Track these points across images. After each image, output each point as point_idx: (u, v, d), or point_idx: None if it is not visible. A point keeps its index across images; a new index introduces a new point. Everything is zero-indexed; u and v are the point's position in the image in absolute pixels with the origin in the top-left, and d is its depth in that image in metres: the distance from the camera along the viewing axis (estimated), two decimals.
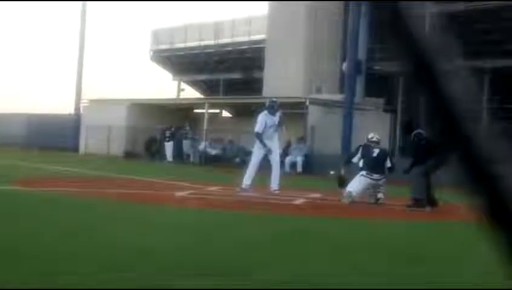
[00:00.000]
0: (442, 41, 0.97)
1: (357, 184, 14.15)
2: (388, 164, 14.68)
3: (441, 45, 0.96)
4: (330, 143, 29.28)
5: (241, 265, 5.79)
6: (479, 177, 0.92)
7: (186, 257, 6.09)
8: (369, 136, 15.15)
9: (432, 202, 13.09)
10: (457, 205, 14.25)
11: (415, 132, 14.02)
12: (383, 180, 14.32)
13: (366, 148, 14.73)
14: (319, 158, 28.81)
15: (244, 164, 34.34)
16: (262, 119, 16.05)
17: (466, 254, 7.66)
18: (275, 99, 16.91)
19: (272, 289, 4.84)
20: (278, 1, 37.07)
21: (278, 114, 16.06)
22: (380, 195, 14.15)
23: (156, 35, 50.05)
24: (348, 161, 15.24)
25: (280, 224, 9.92)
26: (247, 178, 15.72)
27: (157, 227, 8.46)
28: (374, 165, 14.33)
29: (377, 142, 15.01)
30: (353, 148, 27.02)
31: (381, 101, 34.43)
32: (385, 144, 32.98)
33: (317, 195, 15.78)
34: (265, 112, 16.10)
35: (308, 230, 9.32)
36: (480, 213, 0.92)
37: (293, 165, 29.61)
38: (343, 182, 14.62)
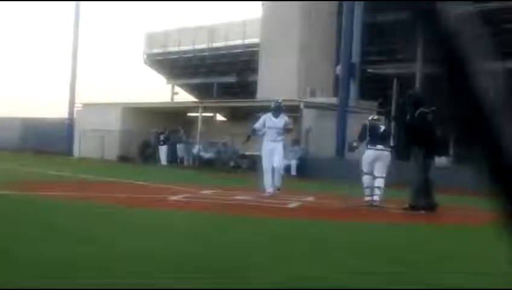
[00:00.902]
0: (475, 40, 0.96)
1: (364, 164, 14.38)
2: (391, 142, 14.93)
3: (473, 44, 0.94)
4: (324, 146, 29.31)
5: (234, 267, 5.77)
6: (504, 178, 0.90)
7: (179, 259, 6.07)
8: (370, 117, 15.35)
9: (430, 206, 12.99)
10: (459, 208, 14.36)
11: (420, 109, 13.63)
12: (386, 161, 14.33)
13: (372, 126, 14.82)
14: (313, 161, 28.83)
15: (238, 167, 34.51)
16: (262, 118, 16.17)
17: (450, 256, 7.68)
18: (279, 100, 16.83)
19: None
20: (271, 1, 37.06)
21: (282, 116, 16.06)
22: (375, 197, 14.09)
23: (150, 39, 50.05)
24: (362, 138, 15.22)
25: (273, 227, 9.91)
26: (266, 184, 15.68)
27: (151, 230, 8.45)
28: (379, 139, 14.52)
29: (379, 120, 15.34)
30: (346, 151, 27.14)
31: (375, 103, 34.46)
32: None
33: (312, 198, 15.77)
34: (270, 113, 16.16)
35: (302, 233, 9.31)
36: (502, 215, 0.91)
37: (288, 168, 29.59)
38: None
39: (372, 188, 14.20)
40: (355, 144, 15.43)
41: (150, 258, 6.12)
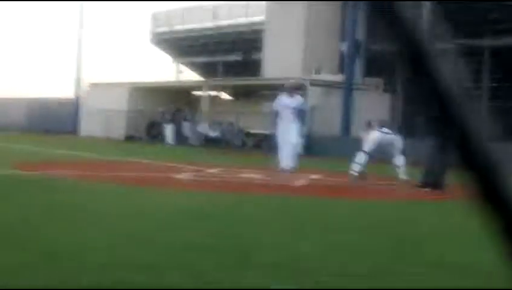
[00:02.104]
0: (432, 21, 1.00)
1: (370, 144, 14.52)
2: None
3: (430, 25, 0.98)
4: (330, 124, 29.31)
5: (238, 246, 5.83)
6: (470, 157, 0.94)
7: (184, 239, 6.12)
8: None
9: (438, 185, 12.95)
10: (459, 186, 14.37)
11: None
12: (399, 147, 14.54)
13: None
14: (319, 139, 28.83)
15: (244, 145, 34.56)
16: (278, 99, 16.42)
17: (451, 232, 7.71)
18: (292, 80, 17.20)
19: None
20: None
21: (296, 96, 16.24)
22: (401, 176, 14.39)
23: (156, 18, 49.93)
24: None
25: (279, 205, 9.95)
26: (281, 162, 15.90)
27: (157, 209, 8.49)
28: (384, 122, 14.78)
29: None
30: (353, 128, 27.16)
31: (380, 81, 34.38)
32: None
33: (318, 176, 15.82)
34: (284, 93, 16.40)
35: (307, 211, 9.36)
36: (473, 193, 0.95)
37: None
38: None
39: (389, 142, 14.53)
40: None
41: (155, 237, 6.18)
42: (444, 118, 0.95)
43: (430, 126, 0.96)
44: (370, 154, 14.52)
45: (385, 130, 14.66)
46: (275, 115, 16.29)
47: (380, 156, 14.80)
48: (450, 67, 0.98)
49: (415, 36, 0.98)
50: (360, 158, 14.47)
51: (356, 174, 14.36)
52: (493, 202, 0.92)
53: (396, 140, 14.70)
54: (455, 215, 9.66)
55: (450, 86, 0.94)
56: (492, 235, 0.94)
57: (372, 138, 14.69)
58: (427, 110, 0.96)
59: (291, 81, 17.17)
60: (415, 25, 0.98)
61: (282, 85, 16.76)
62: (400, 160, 14.54)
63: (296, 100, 16.19)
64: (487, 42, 32.24)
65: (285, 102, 16.08)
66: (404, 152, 14.69)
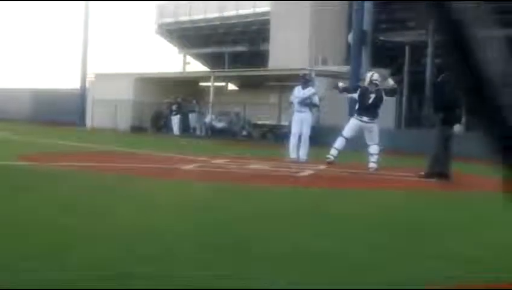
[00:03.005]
0: (476, 9, 0.96)
1: (347, 129, 14.58)
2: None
3: (475, 13, 0.95)
4: (337, 114, 29.22)
5: (240, 238, 5.80)
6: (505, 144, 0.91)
7: (190, 231, 6.10)
8: (373, 77, 15.09)
9: (443, 175, 12.90)
10: (471, 177, 14.34)
11: (442, 75, 13.60)
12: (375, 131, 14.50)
13: (364, 91, 14.81)
14: (325, 130, 28.74)
15: (250, 136, 34.57)
16: (294, 91, 17.05)
17: (459, 224, 7.67)
18: (306, 72, 18.22)
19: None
20: None
21: (309, 88, 16.83)
22: (371, 165, 14.34)
23: (161, 9, 49.87)
24: (345, 91, 15.70)
25: (284, 196, 9.92)
26: (291, 151, 16.67)
27: (163, 201, 8.48)
28: (367, 109, 14.58)
29: (377, 85, 14.97)
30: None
31: (387, 72, 34.29)
32: (391, 114, 33.00)
33: (324, 167, 15.78)
34: (299, 85, 17.06)
35: (312, 202, 9.33)
36: (508, 182, 0.92)
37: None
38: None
39: (366, 129, 14.55)
40: (340, 84, 15.83)
41: (159, 228, 6.16)
42: (484, 105, 0.92)
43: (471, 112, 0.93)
44: (348, 139, 14.67)
45: (365, 118, 14.65)
46: (291, 105, 17.01)
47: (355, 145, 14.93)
48: (495, 55, 0.95)
49: (459, 23, 0.94)
50: (340, 144, 14.69)
51: (332, 158, 14.56)
52: None
53: (374, 128, 14.71)
54: (464, 206, 9.63)
55: (493, 73, 0.91)
56: None
57: (353, 124, 14.79)
58: (468, 99, 0.92)
59: (304, 72, 17.93)
60: (460, 10, 0.94)
61: (302, 75, 17.51)
62: (374, 149, 14.58)
63: (308, 92, 16.70)
64: None
65: (301, 93, 16.63)
66: (379, 141, 14.74)
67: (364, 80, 15.81)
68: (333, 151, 14.66)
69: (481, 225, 7.54)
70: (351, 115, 15.84)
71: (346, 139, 14.64)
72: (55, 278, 3.97)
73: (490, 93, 0.92)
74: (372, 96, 14.69)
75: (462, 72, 0.95)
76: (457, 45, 0.95)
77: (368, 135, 14.62)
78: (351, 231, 6.52)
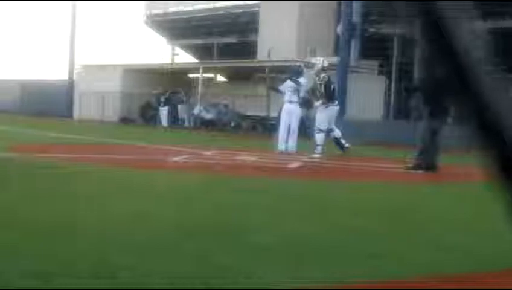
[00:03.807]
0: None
1: (326, 120, 14.76)
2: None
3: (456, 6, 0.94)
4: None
5: (231, 228, 5.80)
6: (489, 131, 0.91)
7: (177, 220, 6.10)
8: (325, 64, 15.51)
9: (429, 167, 12.92)
10: (457, 167, 14.36)
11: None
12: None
13: (329, 80, 15.19)
14: (313, 121, 28.76)
15: (239, 127, 34.56)
16: (286, 81, 17.16)
17: (449, 215, 7.69)
18: (298, 64, 18.40)
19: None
20: None
21: (301, 79, 16.96)
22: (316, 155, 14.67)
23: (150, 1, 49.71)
24: (331, 96, 15.75)
25: (273, 187, 9.92)
26: (280, 143, 16.72)
27: (150, 191, 8.47)
28: (334, 95, 14.98)
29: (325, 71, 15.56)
30: (348, 111, 27.12)
31: (376, 63, 34.34)
32: (380, 106, 33.09)
33: (308, 159, 15.81)
34: (289, 76, 17.16)
35: (301, 193, 9.34)
36: (491, 171, 0.91)
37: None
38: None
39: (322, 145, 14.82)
40: (318, 103, 15.83)
41: (148, 218, 6.15)
42: (466, 93, 0.92)
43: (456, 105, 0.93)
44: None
45: (336, 103, 15.02)
46: (278, 91, 17.12)
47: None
48: (478, 47, 0.95)
49: (445, 14, 0.94)
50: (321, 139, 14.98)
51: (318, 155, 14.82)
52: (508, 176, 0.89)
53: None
54: (451, 197, 9.65)
55: (474, 62, 0.91)
56: (508, 214, 0.90)
57: (332, 114, 15.04)
58: (449, 83, 0.92)
59: (295, 64, 18.10)
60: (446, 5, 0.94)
61: (294, 66, 17.76)
62: (338, 132, 15.02)
63: (300, 82, 16.74)
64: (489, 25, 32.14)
65: (289, 84, 16.67)
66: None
67: (313, 67, 16.10)
68: (321, 149, 14.96)
69: (468, 215, 7.56)
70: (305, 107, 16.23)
71: (324, 132, 14.98)
72: (37, 269, 3.95)
73: (470, 80, 0.92)
74: (334, 82, 15.25)
75: (441, 59, 0.95)
76: (436, 34, 0.94)
77: (334, 120, 15.13)
78: (338, 220, 6.52)
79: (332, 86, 15.18)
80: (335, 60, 31.27)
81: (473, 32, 0.95)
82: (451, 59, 0.93)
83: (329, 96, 14.98)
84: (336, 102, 15.42)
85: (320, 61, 15.71)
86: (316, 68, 15.54)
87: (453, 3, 0.94)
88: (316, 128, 15.20)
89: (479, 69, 0.94)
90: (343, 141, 15.24)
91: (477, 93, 0.92)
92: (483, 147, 0.91)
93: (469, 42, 0.94)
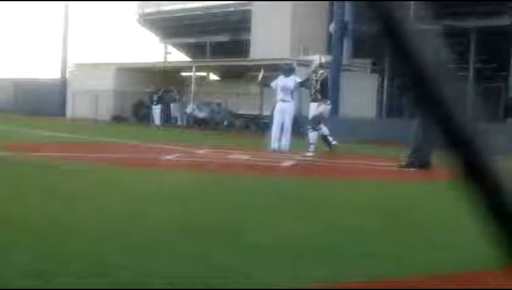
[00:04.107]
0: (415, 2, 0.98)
1: (320, 118, 14.77)
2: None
3: (413, 6, 0.96)
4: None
5: (226, 227, 5.80)
6: (452, 135, 0.93)
7: (171, 220, 6.10)
8: (322, 60, 15.54)
9: (422, 164, 12.93)
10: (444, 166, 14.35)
11: None
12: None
13: (326, 78, 15.17)
14: (306, 120, 28.78)
15: (232, 126, 34.54)
16: (276, 79, 17.13)
17: (445, 214, 7.70)
18: (288, 62, 18.32)
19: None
20: None
21: (293, 77, 16.91)
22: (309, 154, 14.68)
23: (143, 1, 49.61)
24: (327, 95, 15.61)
25: (266, 186, 9.93)
26: (273, 141, 16.70)
27: (143, 191, 8.45)
28: (328, 94, 15.01)
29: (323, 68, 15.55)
30: (340, 109, 27.14)
31: (368, 62, 34.37)
32: (372, 105, 33.13)
33: (301, 158, 15.82)
34: (281, 74, 17.12)
35: (295, 192, 9.35)
36: (457, 174, 0.93)
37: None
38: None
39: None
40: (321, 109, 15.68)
41: (143, 218, 6.15)
42: (425, 95, 0.93)
43: (413, 105, 0.95)
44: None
45: (329, 102, 15.07)
46: (268, 85, 17.11)
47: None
48: (431, 47, 0.96)
49: (395, 16, 0.95)
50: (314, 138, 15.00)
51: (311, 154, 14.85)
52: (476, 180, 0.91)
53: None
54: (445, 195, 9.67)
55: (429, 65, 0.92)
56: (476, 213, 0.92)
57: (326, 112, 15.06)
58: (409, 88, 0.94)
59: (287, 62, 18.09)
60: (396, 6, 0.95)
61: (284, 65, 17.72)
62: (325, 130, 15.05)
63: (292, 81, 16.73)
64: (472, 23, 32.20)
65: (283, 82, 16.65)
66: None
67: (311, 64, 16.08)
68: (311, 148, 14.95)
69: (462, 213, 7.58)
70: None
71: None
72: (36, 268, 3.95)
73: (430, 88, 0.94)
74: (328, 77, 15.32)
75: (400, 63, 0.96)
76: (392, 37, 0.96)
77: (327, 118, 15.16)
78: (333, 219, 6.53)
79: (327, 86, 15.17)
80: (328, 58, 31.29)
81: (424, 33, 0.96)
82: (408, 63, 0.95)
83: (325, 93, 14.94)
84: (329, 101, 15.42)
85: (317, 57, 15.70)
86: (313, 65, 15.49)
87: (398, 4, 0.95)
88: (309, 126, 15.18)
89: (438, 75, 0.95)
90: (330, 139, 15.20)
91: (438, 102, 0.95)
92: (448, 150, 0.94)
93: (423, 45, 0.95)
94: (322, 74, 15.35)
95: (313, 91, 15.58)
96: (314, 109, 15.59)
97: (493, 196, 0.93)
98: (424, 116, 0.96)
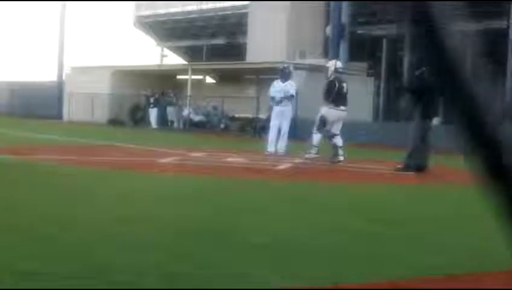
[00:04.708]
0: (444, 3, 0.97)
1: (329, 122, 14.51)
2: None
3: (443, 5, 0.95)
4: (314, 108, 29.23)
5: (222, 229, 5.80)
6: (477, 133, 0.92)
7: (167, 222, 6.09)
8: (337, 65, 15.27)
9: (420, 167, 12.91)
10: (448, 169, 14.39)
11: (422, 68, 13.23)
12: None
13: (339, 84, 14.85)
14: (303, 123, 28.78)
15: (228, 129, 34.52)
16: (273, 84, 17.03)
17: (441, 216, 7.71)
18: (286, 65, 18.25)
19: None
20: None
21: (290, 82, 16.82)
22: (340, 158, 14.30)
23: (139, 1, 49.61)
24: (329, 97, 15.01)
25: (263, 189, 9.93)
26: (269, 144, 16.66)
27: (139, 193, 8.44)
28: (343, 99, 14.68)
29: (339, 72, 15.28)
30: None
31: (364, 65, 34.38)
32: (368, 108, 33.13)
33: (302, 160, 15.80)
34: (278, 78, 17.15)
35: (291, 194, 9.35)
36: (480, 174, 0.92)
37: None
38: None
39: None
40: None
41: (138, 218, 6.15)
42: (453, 91, 0.92)
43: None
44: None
45: (342, 108, 14.78)
46: (272, 100, 16.86)
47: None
48: (466, 46, 0.96)
49: (429, 14, 0.94)
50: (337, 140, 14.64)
51: (342, 158, 14.44)
52: (500, 181, 0.89)
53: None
54: (441, 198, 9.68)
55: (460, 61, 0.92)
56: (497, 215, 0.91)
57: (334, 115, 14.77)
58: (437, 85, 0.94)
59: (284, 65, 18.06)
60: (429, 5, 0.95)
61: (282, 68, 17.63)
62: (341, 140, 14.63)
63: (289, 85, 16.75)
64: (470, 25, 32.22)
65: (280, 86, 16.64)
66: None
67: (328, 69, 15.55)
68: (339, 151, 14.46)
69: (459, 215, 7.59)
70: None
71: (336, 134, 14.63)
72: (28, 269, 3.95)
73: (460, 83, 0.93)
74: (345, 84, 14.90)
75: (431, 60, 0.96)
76: (430, 39, 0.96)
77: (338, 125, 14.75)
78: (328, 222, 6.53)
79: (337, 88, 14.67)
80: (324, 62, 31.31)
81: (461, 33, 0.96)
82: (441, 60, 0.94)
83: (332, 97, 14.59)
84: (342, 107, 14.77)
85: (332, 63, 15.50)
86: (329, 71, 15.11)
87: (442, 4, 0.95)
88: (314, 129, 14.96)
89: (469, 71, 0.95)
90: (340, 152, 14.50)
91: (467, 96, 0.93)
92: (471, 149, 0.92)
93: (458, 43, 0.95)
94: (330, 77, 15.01)
95: (324, 95, 14.95)
96: (322, 112, 14.98)
97: None
98: (453, 115, 0.95)
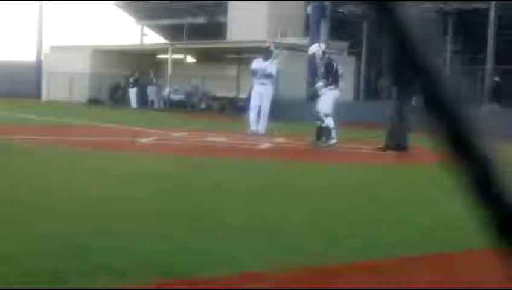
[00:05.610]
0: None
1: (330, 105, 13.94)
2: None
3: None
4: (295, 88, 29.22)
5: (196, 209, 5.75)
6: (443, 118, 0.89)
7: (145, 203, 6.04)
8: (323, 47, 15.01)
9: (400, 147, 12.91)
10: (425, 149, 14.39)
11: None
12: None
13: (332, 62, 14.52)
14: (284, 103, 28.76)
15: (209, 109, 34.46)
16: (254, 62, 16.93)
17: (419, 195, 7.71)
18: (269, 45, 18.27)
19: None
20: None
21: (272, 62, 16.72)
22: (333, 141, 13.74)
23: None
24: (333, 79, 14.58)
25: (243, 168, 9.90)
26: (251, 124, 16.42)
27: (119, 173, 8.38)
28: (338, 79, 14.34)
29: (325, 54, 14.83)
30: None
31: (345, 44, 34.32)
32: (349, 87, 33.13)
33: (283, 140, 15.79)
34: (260, 56, 17.04)
35: (272, 175, 9.32)
36: (445, 155, 0.89)
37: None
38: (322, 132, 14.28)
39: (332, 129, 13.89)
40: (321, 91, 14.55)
41: (118, 201, 6.09)
42: (414, 73, 0.89)
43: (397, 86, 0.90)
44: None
45: (338, 88, 14.34)
46: (253, 73, 16.75)
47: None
48: (418, 28, 0.92)
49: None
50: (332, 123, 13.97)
51: (335, 140, 13.87)
52: (465, 158, 0.87)
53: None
54: (420, 177, 9.69)
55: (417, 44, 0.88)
56: (463, 192, 0.88)
57: (334, 97, 14.25)
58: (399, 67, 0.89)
59: (267, 45, 18.01)
60: None
61: (267, 48, 17.58)
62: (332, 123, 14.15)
63: (271, 65, 16.67)
64: (450, 6, 32.30)
65: (261, 65, 16.53)
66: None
67: (314, 54, 15.03)
68: (333, 133, 13.89)
69: (433, 196, 7.58)
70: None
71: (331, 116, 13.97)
72: (12, 250, 3.88)
73: (422, 64, 0.90)
74: (336, 65, 14.48)
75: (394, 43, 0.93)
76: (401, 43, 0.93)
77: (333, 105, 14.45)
78: (308, 202, 6.50)
79: (335, 68, 14.31)
80: (306, 41, 31.23)
81: (421, 12, 0.93)
82: (400, 40, 0.92)
83: (333, 77, 14.21)
84: (338, 87, 14.31)
85: (314, 47, 14.99)
86: (317, 55, 14.63)
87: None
88: (322, 113, 14.13)
89: (430, 51, 0.92)
90: (333, 133, 14.00)
91: (430, 78, 0.92)
92: (437, 129, 0.90)
93: (416, 22, 0.92)
94: (327, 58, 14.52)
95: (321, 77, 14.47)
96: (322, 94, 14.38)
97: (481, 174, 0.88)
98: (420, 98, 0.92)
